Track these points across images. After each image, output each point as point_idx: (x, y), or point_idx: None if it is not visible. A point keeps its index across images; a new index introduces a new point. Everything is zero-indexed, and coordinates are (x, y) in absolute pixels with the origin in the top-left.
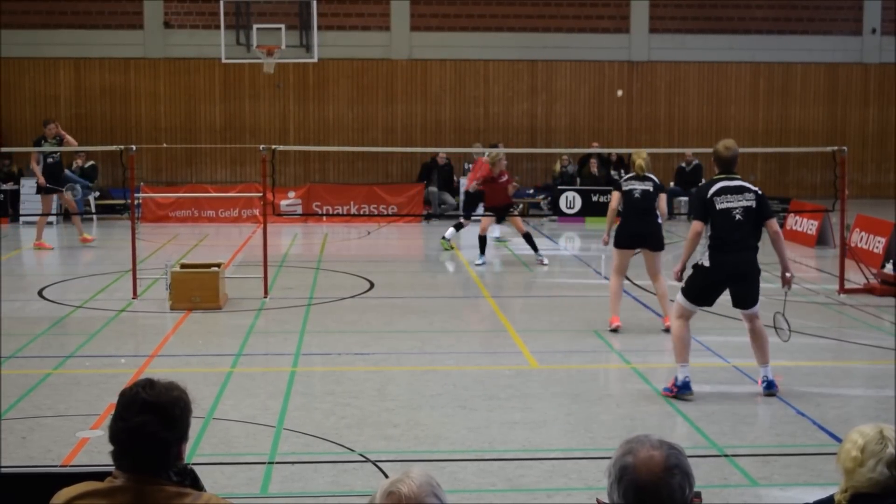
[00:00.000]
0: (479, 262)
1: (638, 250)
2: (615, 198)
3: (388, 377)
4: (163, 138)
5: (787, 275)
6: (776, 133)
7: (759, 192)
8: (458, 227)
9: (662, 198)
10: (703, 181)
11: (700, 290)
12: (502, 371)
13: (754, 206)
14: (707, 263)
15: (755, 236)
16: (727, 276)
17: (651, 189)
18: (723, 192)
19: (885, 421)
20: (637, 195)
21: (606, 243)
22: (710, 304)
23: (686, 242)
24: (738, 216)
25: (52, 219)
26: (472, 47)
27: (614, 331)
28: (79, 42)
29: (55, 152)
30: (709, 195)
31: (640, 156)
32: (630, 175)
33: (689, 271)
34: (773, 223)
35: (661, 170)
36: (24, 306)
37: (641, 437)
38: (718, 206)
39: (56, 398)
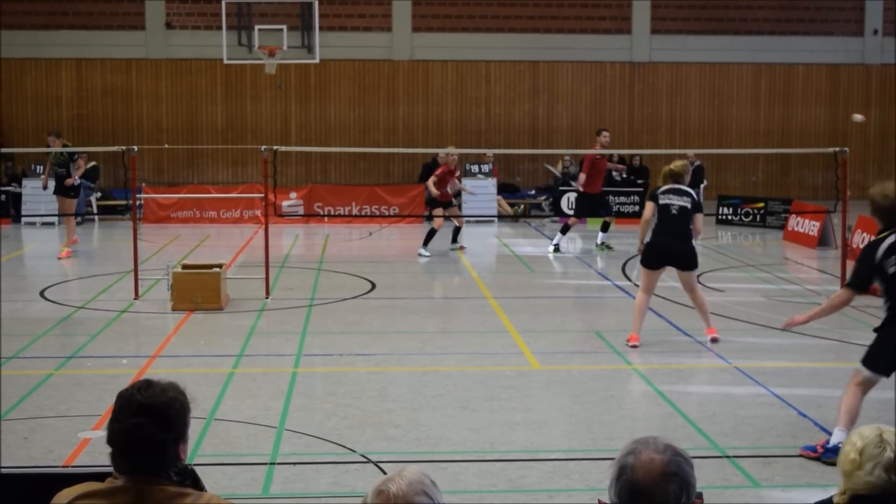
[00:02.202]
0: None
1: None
2: (649, 208)
3: (390, 378)
4: (164, 139)
5: None
6: (778, 134)
7: None
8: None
9: (699, 217)
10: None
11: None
12: (503, 372)
13: None
14: None
15: None
16: None
17: (689, 206)
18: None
19: (886, 422)
20: (674, 211)
21: (641, 251)
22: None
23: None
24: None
25: (54, 220)
26: (474, 48)
27: (633, 347)
28: (80, 43)
29: (61, 166)
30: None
31: (678, 165)
32: (667, 187)
33: None
34: None
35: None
36: (25, 307)
37: (650, 438)
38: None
39: (58, 399)
